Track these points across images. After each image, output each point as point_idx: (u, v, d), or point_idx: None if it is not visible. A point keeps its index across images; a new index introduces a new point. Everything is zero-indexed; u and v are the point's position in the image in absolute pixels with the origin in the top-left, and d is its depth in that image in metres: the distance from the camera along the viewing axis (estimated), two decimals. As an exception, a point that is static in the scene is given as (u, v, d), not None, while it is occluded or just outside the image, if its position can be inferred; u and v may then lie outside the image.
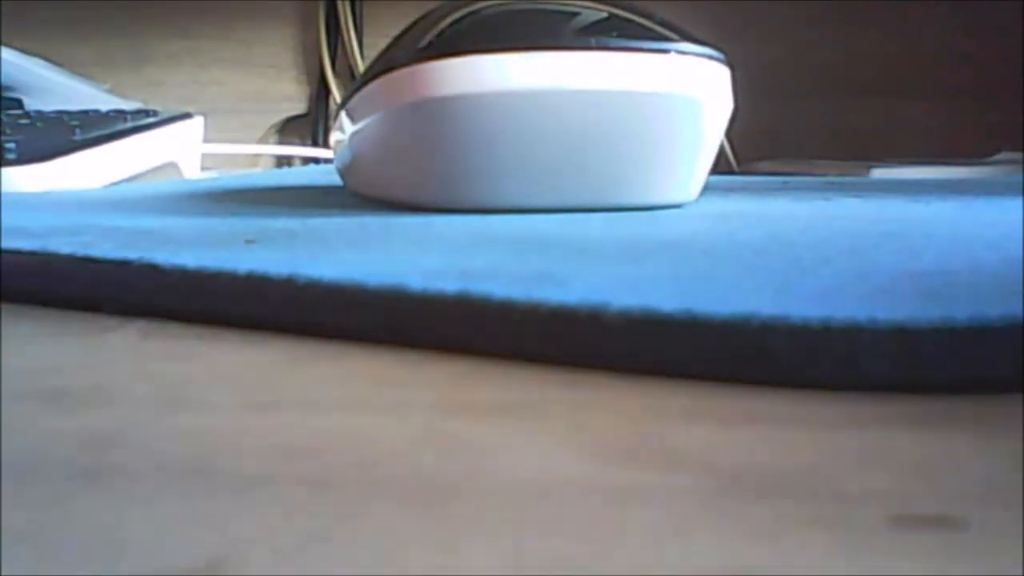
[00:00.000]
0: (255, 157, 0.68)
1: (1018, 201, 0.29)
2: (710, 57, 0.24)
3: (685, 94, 0.23)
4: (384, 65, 0.24)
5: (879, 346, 0.11)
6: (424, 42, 0.23)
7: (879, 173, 0.48)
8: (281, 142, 0.71)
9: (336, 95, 0.68)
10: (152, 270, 0.15)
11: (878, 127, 0.69)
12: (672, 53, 0.23)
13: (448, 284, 0.13)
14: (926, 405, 0.11)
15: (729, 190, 0.34)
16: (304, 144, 0.70)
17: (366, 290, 0.14)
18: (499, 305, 0.13)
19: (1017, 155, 0.56)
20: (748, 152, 0.64)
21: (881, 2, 0.68)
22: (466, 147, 0.23)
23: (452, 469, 0.09)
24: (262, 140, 0.71)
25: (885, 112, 0.69)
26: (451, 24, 0.24)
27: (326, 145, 0.67)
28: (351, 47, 0.69)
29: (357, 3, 0.70)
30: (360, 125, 0.25)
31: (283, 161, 0.69)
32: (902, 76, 0.69)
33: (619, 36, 0.23)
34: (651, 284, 0.13)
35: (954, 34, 0.68)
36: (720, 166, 0.61)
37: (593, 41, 0.22)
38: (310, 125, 0.71)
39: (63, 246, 0.17)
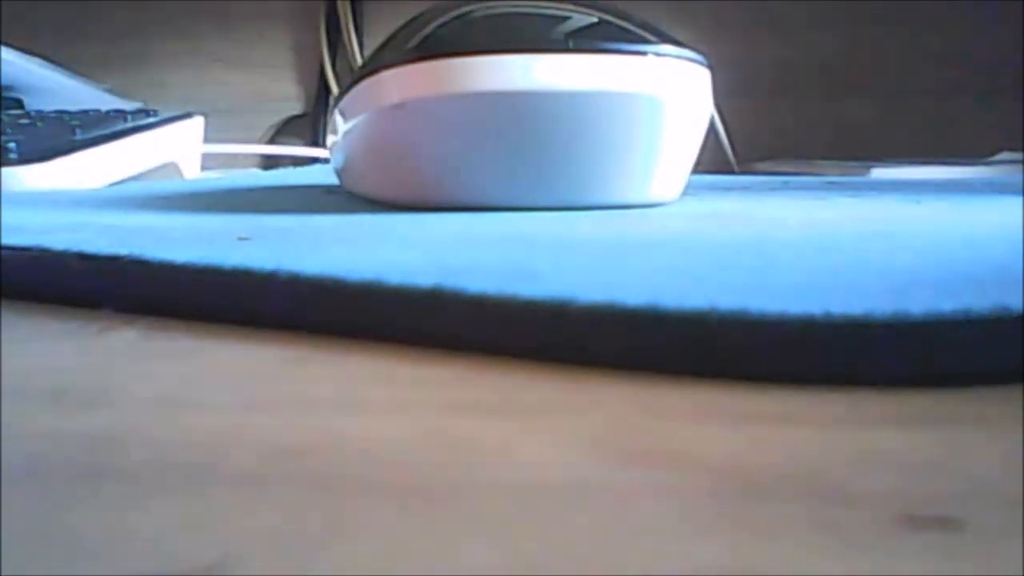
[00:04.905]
0: (255, 157, 0.68)
1: (1012, 200, 0.29)
2: (689, 59, 0.24)
3: (662, 95, 0.23)
4: (372, 66, 0.24)
5: (832, 339, 0.11)
6: (412, 44, 0.24)
7: (879, 173, 0.48)
8: (281, 142, 0.71)
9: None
10: (141, 265, 0.16)
11: (878, 127, 0.69)
12: (650, 55, 0.23)
13: (425, 279, 0.13)
14: (927, 405, 0.11)
15: (728, 189, 0.34)
16: (304, 144, 0.70)
17: (345, 284, 0.14)
18: (471, 299, 0.13)
19: (1017, 155, 0.56)
20: (748, 152, 0.64)
21: (881, 2, 0.68)
22: (452, 147, 0.23)
23: (452, 469, 0.09)
24: (262, 140, 0.71)
25: (885, 112, 0.69)
26: (439, 26, 0.24)
27: (326, 145, 0.67)
28: (351, 47, 0.69)
29: (357, 3, 0.70)
30: (350, 125, 0.26)
31: (282, 161, 0.69)
32: (902, 76, 0.69)
33: (602, 39, 0.23)
34: (624, 280, 0.14)
35: (954, 34, 0.68)
36: (720, 166, 0.61)
37: (572, 44, 0.23)
38: (310, 125, 0.71)
39: (58, 243, 0.17)
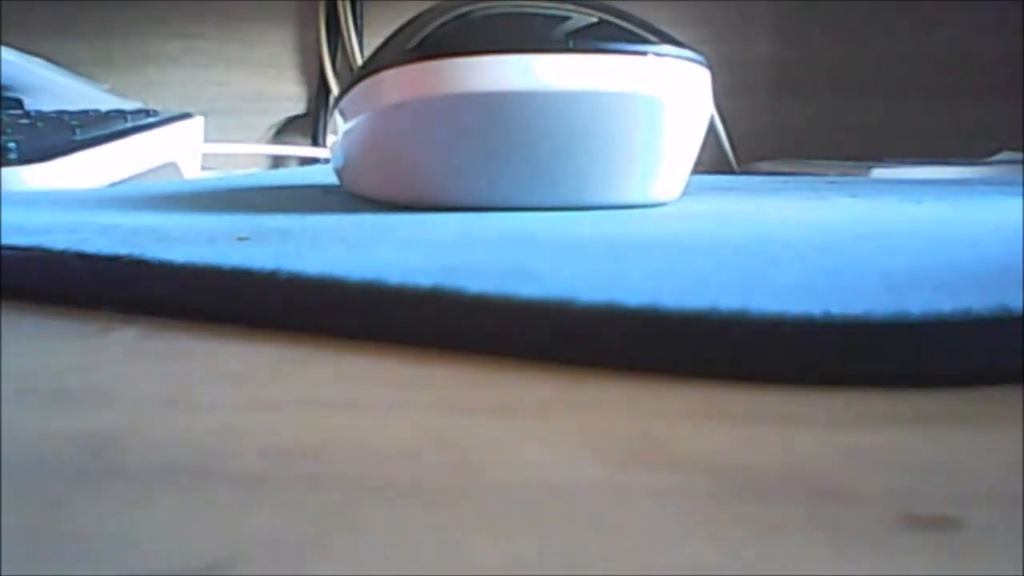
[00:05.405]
0: (255, 157, 0.68)
1: (1012, 200, 0.29)
2: (688, 59, 0.24)
3: (662, 95, 0.23)
4: (372, 66, 0.24)
5: (831, 340, 0.11)
6: (412, 44, 0.24)
7: (879, 173, 0.48)
8: (281, 142, 0.71)
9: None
10: (141, 265, 0.16)
11: (878, 127, 0.69)
12: (650, 55, 0.23)
13: (425, 279, 0.13)
14: (927, 405, 0.11)
15: (728, 189, 0.34)
16: (304, 144, 0.70)
17: (345, 284, 0.14)
18: (472, 299, 0.13)
19: (1017, 155, 0.56)
20: (748, 152, 0.64)
21: (882, 2, 0.68)
22: (452, 147, 0.23)
23: (452, 469, 0.09)
24: (262, 140, 0.71)
25: (885, 112, 0.69)
26: (440, 26, 0.24)
27: (326, 145, 0.67)
28: (351, 47, 0.69)
29: (357, 3, 0.70)
30: (350, 125, 0.26)
31: (282, 161, 0.69)
32: (902, 76, 0.69)
33: (602, 39, 0.23)
34: (624, 280, 0.14)
35: (954, 34, 0.68)
36: (721, 166, 0.61)
37: (572, 44, 0.23)
38: (310, 125, 0.71)
39: (58, 243, 0.17)
